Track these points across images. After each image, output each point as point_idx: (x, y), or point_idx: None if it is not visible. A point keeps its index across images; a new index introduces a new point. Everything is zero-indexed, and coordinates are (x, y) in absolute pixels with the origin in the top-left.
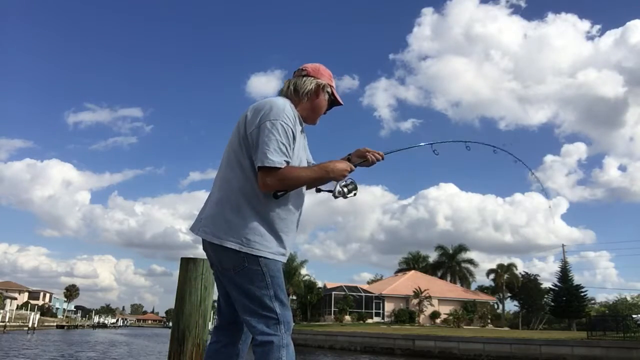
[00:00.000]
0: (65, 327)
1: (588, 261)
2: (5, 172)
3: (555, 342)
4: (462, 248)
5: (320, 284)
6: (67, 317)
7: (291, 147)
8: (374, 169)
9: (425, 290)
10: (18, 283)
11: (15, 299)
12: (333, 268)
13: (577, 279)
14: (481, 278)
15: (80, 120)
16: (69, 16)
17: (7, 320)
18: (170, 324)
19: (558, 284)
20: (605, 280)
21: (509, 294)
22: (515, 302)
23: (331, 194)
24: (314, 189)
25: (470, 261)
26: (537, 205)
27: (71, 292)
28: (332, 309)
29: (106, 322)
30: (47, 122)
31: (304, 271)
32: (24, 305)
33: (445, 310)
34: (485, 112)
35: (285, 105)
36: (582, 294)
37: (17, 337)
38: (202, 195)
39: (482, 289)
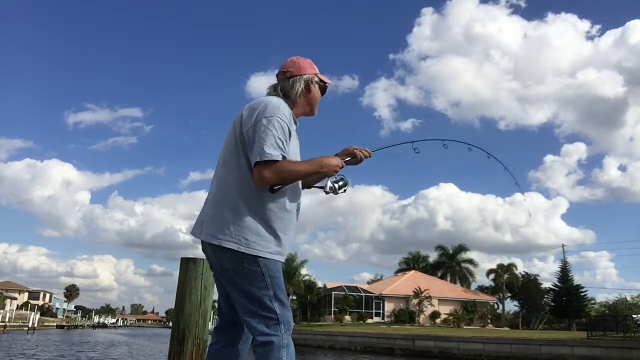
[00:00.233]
0: (65, 327)
1: (588, 261)
2: (5, 172)
3: (555, 342)
4: (462, 248)
5: (320, 284)
6: (67, 317)
7: (287, 143)
8: (374, 169)
9: (425, 290)
10: (18, 283)
11: (15, 299)
12: (333, 268)
13: (577, 279)
14: (481, 278)
15: (80, 120)
16: (69, 16)
17: (7, 320)
18: (170, 324)
19: (558, 284)
20: (605, 280)
21: (509, 294)
22: (515, 302)
23: (322, 190)
24: (306, 186)
25: (470, 261)
26: (537, 205)
27: (71, 292)
28: (332, 309)
29: (106, 322)
30: (47, 122)
31: (304, 271)
32: (24, 305)
33: (445, 310)
34: (485, 112)
35: (280, 103)
36: (582, 294)
37: (17, 337)
38: (202, 195)
39: (482, 289)
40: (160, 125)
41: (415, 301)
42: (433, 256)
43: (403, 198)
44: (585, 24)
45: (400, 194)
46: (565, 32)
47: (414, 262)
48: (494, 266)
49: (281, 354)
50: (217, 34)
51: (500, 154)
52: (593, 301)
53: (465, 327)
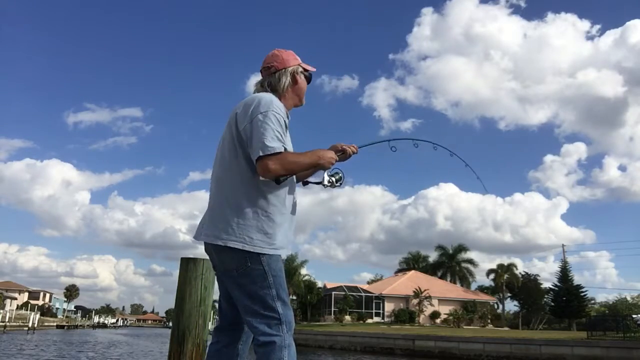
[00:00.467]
0: (65, 327)
1: (588, 261)
2: (5, 172)
3: (555, 342)
4: (462, 248)
5: (320, 284)
6: (67, 317)
7: (285, 135)
8: (374, 169)
9: (425, 290)
10: (18, 283)
11: (15, 299)
12: (333, 268)
13: (577, 279)
14: (481, 278)
15: (80, 120)
16: (68, 16)
17: (7, 320)
18: (170, 324)
19: (558, 284)
20: (605, 280)
21: (509, 294)
22: (515, 302)
23: (319, 185)
24: (301, 182)
25: (470, 261)
26: (537, 205)
27: (71, 292)
28: (332, 309)
29: (106, 322)
30: (47, 122)
31: (304, 271)
32: (24, 305)
33: (445, 310)
34: (485, 112)
35: (272, 98)
36: (582, 294)
37: (17, 337)
38: (202, 195)
39: (482, 289)
40: (160, 125)
41: (415, 301)
42: (433, 256)
43: (403, 198)
44: (585, 24)
45: (400, 194)
46: (565, 32)
47: (414, 262)
48: (494, 266)
49: (283, 354)
50: (216, 34)
51: (500, 154)
52: (593, 301)
53: (465, 327)
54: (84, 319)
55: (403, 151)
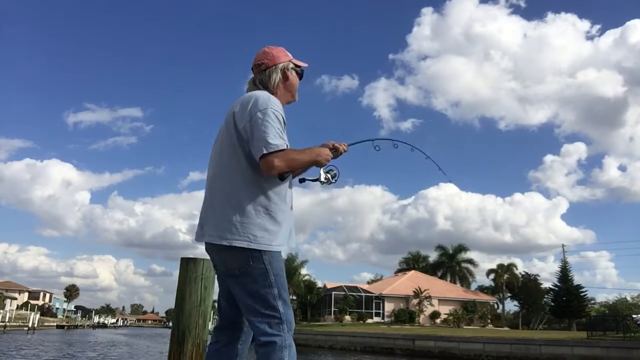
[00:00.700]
0: (65, 327)
1: (588, 261)
2: (5, 172)
3: (555, 342)
4: (462, 248)
5: (320, 284)
6: (67, 317)
7: (285, 132)
8: (374, 169)
9: (425, 290)
10: (18, 283)
11: (15, 299)
12: (333, 268)
13: (577, 279)
14: (481, 278)
15: (80, 120)
16: (68, 16)
17: (7, 320)
18: (170, 324)
19: (558, 284)
20: (605, 280)
21: (509, 294)
22: (515, 302)
23: (316, 182)
24: (297, 180)
25: (470, 261)
26: (537, 205)
27: (71, 292)
28: (332, 309)
29: (106, 322)
30: (47, 122)
31: (304, 271)
32: (24, 305)
33: (445, 310)
34: (485, 112)
35: (269, 96)
36: (582, 294)
37: (17, 337)
38: (202, 195)
39: (482, 289)
40: (160, 125)
41: (415, 301)
42: (433, 256)
43: (403, 198)
44: (585, 24)
45: (400, 194)
46: (565, 32)
47: (414, 262)
48: (494, 266)
49: (283, 354)
50: (216, 34)
51: (500, 154)
52: (593, 301)
53: (465, 327)
54: (84, 319)
55: (401, 151)
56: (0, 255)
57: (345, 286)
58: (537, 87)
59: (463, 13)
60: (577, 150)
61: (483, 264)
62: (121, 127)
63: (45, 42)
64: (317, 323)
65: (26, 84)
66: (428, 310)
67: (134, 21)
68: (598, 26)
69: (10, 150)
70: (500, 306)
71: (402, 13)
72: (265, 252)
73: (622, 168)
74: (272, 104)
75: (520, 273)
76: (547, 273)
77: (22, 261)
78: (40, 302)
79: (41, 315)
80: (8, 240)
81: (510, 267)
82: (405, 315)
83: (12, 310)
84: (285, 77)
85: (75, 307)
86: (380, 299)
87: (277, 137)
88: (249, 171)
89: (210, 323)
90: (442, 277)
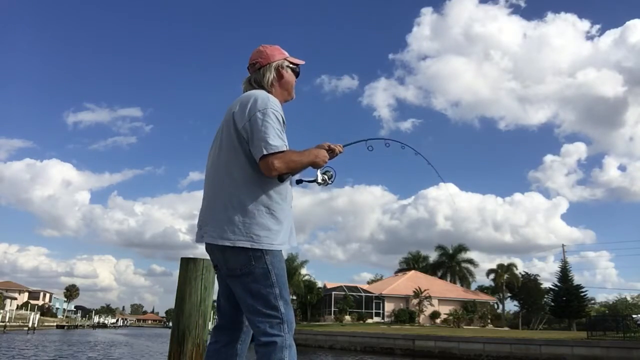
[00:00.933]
0: (65, 327)
1: (588, 261)
2: (5, 172)
3: (555, 342)
4: (462, 248)
5: (320, 284)
6: (67, 317)
7: (284, 132)
8: (374, 169)
9: (425, 290)
10: (18, 283)
11: (15, 299)
12: (333, 268)
13: (577, 279)
14: (481, 278)
15: (79, 120)
16: (68, 16)
17: (7, 320)
18: (170, 324)
19: (558, 284)
20: (605, 280)
21: (509, 294)
22: (515, 302)
23: (314, 183)
24: (295, 181)
25: (470, 261)
26: (537, 205)
27: (71, 292)
28: (332, 309)
29: (106, 322)
30: (46, 122)
31: (304, 271)
32: (24, 305)
33: (445, 310)
34: (485, 112)
35: (268, 95)
36: (582, 294)
37: (17, 337)
38: (202, 196)
39: (482, 289)
40: (160, 125)
41: (415, 301)
42: (433, 256)
43: (403, 198)
44: (585, 24)
45: (400, 194)
46: (565, 31)
47: (414, 262)
48: (494, 266)
49: (284, 354)
50: (217, 34)
51: (500, 154)
52: (593, 301)
53: (465, 327)
54: (84, 319)
55: (401, 152)
56: (0, 255)
57: (345, 286)
58: (537, 87)
59: (463, 13)
60: (577, 150)
61: (483, 264)
62: (121, 127)
63: (45, 42)
64: (317, 323)
65: (26, 84)
66: (428, 310)
67: (134, 21)
68: (598, 26)
69: (10, 150)
70: (500, 306)
71: (402, 13)
72: (267, 251)
73: (622, 168)
74: (271, 104)
75: (520, 273)
76: (547, 273)
77: (22, 261)
78: (40, 302)
79: (41, 315)
80: (8, 240)
81: (510, 267)
82: (405, 315)
83: (12, 310)
84: (279, 76)
85: (75, 307)
86: (380, 299)
87: (276, 138)
88: (249, 171)
89: (210, 323)
90: (442, 277)
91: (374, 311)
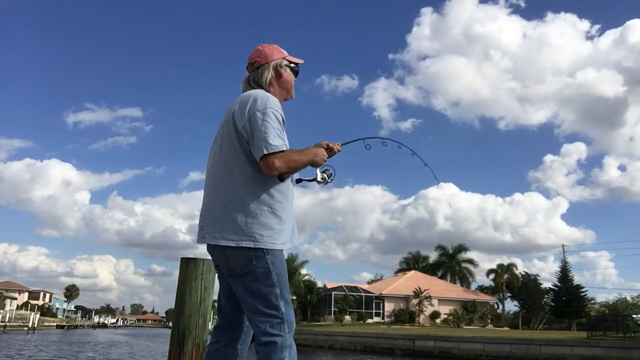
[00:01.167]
0: (65, 327)
1: (588, 261)
2: (5, 172)
3: (555, 342)
4: (462, 248)
5: (320, 284)
6: (67, 317)
7: (284, 132)
8: (374, 169)
9: (425, 290)
10: (18, 283)
11: (15, 299)
12: (333, 268)
13: (577, 279)
14: (481, 278)
15: (79, 120)
16: (68, 16)
17: (7, 320)
18: (170, 324)
19: (558, 284)
20: (605, 280)
21: (509, 294)
22: (515, 302)
23: (313, 182)
24: (294, 180)
25: (470, 261)
26: (537, 205)
27: (71, 292)
28: (332, 309)
29: (106, 322)
30: (46, 122)
31: (304, 271)
32: (24, 305)
33: (445, 310)
34: (485, 112)
35: (268, 94)
36: (582, 294)
37: (17, 337)
38: (202, 195)
39: (482, 289)
40: (160, 125)
41: (415, 301)
42: (433, 256)
43: (403, 198)
44: (584, 24)
45: (400, 194)
46: (565, 31)
47: (414, 262)
48: (494, 266)
49: (284, 354)
50: (217, 34)
51: (500, 154)
52: (593, 301)
53: (465, 327)
54: (84, 319)
55: (401, 152)
56: (0, 255)
57: (345, 286)
58: (536, 87)
59: (463, 13)
60: (577, 150)
61: (483, 264)
62: (121, 127)
63: (45, 42)
64: (317, 323)
65: (26, 84)
66: (428, 310)
67: (134, 21)
68: (598, 26)
69: (10, 150)
70: (500, 306)
71: (402, 13)
72: (268, 250)
73: (622, 168)
74: (271, 104)
75: (520, 273)
76: (547, 273)
77: (22, 261)
78: (40, 302)
79: (41, 315)
80: (8, 240)
81: (510, 267)
82: (405, 315)
83: (12, 310)
84: (278, 75)
85: (75, 307)
86: (380, 299)
87: (277, 138)
88: (250, 170)
89: (210, 323)
90: (442, 277)
91: (374, 311)
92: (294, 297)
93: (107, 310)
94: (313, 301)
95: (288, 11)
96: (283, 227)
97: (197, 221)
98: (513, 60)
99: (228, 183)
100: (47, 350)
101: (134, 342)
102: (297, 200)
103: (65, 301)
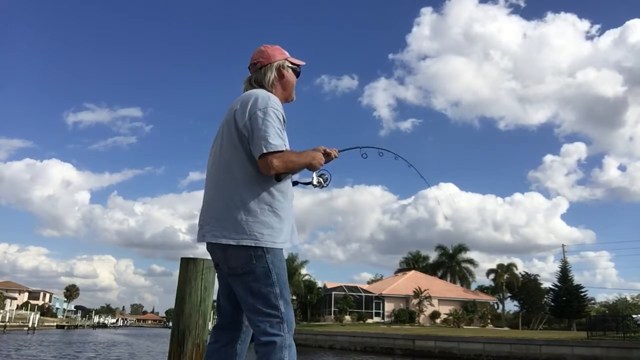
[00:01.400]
0: (65, 327)
1: (588, 261)
2: (5, 172)
3: (555, 342)
4: (462, 248)
5: (320, 284)
6: (67, 317)
7: (284, 132)
8: (374, 169)
9: (425, 290)
10: (18, 283)
11: (15, 299)
12: (333, 268)
13: (577, 279)
14: (481, 278)
15: (79, 120)
16: (68, 16)
17: (7, 320)
18: (170, 324)
19: (558, 284)
20: (605, 280)
21: (509, 294)
22: (515, 302)
23: (309, 185)
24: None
25: (470, 261)
26: (537, 205)
27: (71, 292)
28: (332, 309)
29: (106, 322)
30: (46, 122)
31: (304, 271)
32: (24, 305)
33: (445, 310)
34: (485, 112)
35: (269, 94)
36: (582, 294)
37: (17, 337)
38: (202, 195)
39: (482, 289)
40: (160, 125)
41: (415, 301)
42: (433, 256)
43: (403, 198)
44: (584, 24)
45: (400, 194)
46: (565, 31)
47: (414, 262)
48: (494, 266)
49: (283, 354)
50: (217, 34)
51: (500, 154)
52: (593, 301)
53: (465, 327)
54: (84, 319)
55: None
56: (0, 255)
57: (345, 286)
58: (536, 87)
59: (463, 13)
60: (577, 150)
61: (483, 264)
62: (121, 127)
63: (45, 42)
64: (317, 323)
65: (26, 84)
66: (428, 310)
67: (134, 21)
68: (598, 26)
69: (10, 150)
70: (500, 306)
71: (402, 13)
72: (268, 250)
73: (622, 168)
74: (272, 103)
75: (520, 273)
76: (547, 273)
77: (22, 261)
78: (40, 302)
79: (41, 315)
80: (8, 240)
81: (510, 267)
82: (405, 315)
83: (12, 310)
84: (280, 75)
85: (75, 307)
86: (380, 299)
87: (276, 137)
88: (251, 169)
89: (210, 323)
90: (442, 277)
91: (374, 311)
92: (294, 297)
93: (107, 310)
94: (313, 301)
95: (288, 11)
96: (283, 226)
97: (197, 221)
98: (513, 60)
99: (228, 182)
100: (47, 351)
101: (134, 342)
102: (297, 200)
103: (65, 301)
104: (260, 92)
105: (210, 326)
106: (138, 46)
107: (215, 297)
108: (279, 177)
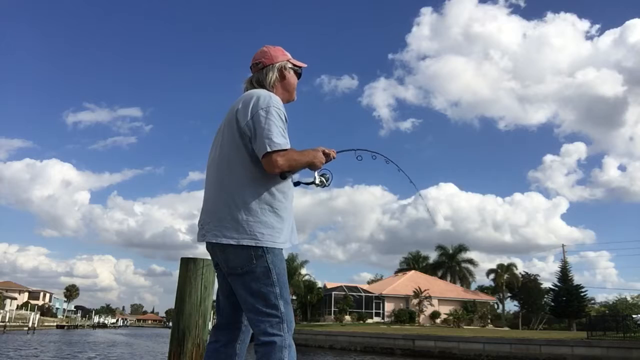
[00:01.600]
0: (65, 327)
1: (588, 261)
2: (4, 172)
3: (555, 342)
4: (462, 248)
5: (320, 284)
6: (67, 317)
7: (286, 130)
8: (374, 169)
9: (425, 290)
10: (18, 283)
11: (15, 299)
12: (333, 268)
13: (577, 279)
14: (481, 278)
15: (79, 120)
16: (68, 16)
17: (7, 320)
18: (170, 324)
19: (558, 284)
20: (605, 280)
21: (509, 294)
22: (515, 302)
23: (311, 185)
24: (292, 182)
25: (470, 261)
26: (537, 205)
27: (71, 292)
28: (332, 309)
29: (106, 322)
30: (46, 122)
31: (304, 271)
32: (24, 305)
33: (445, 310)
34: (485, 112)
35: (270, 94)
36: (582, 294)
37: (17, 337)
38: (202, 195)
39: (482, 289)
40: (159, 125)
41: (415, 301)
42: (433, 256)
43: (403, 198)
44: (584, 24)
45: (400, 194)
46: (565, 31)
47: (414, 262)
48: (494, 266)
49: (283, 354)
50: (216, 34)
51: (500, 154)
52: (593, 301)
53: (465, 327)
54: (84, 319)
55: (401, 153)
56: (0, 255)
57: (345, 286)
58: (536, 86)
59: (462, 13)
60: (577, 150)
61: (483, 264)
62: (121, 127)
63: (44, 42)
64: (317, 323)
65: (26, 83)
66: (428, 310)
67: (134, 21)
68: (597, 26)
69: (10, 150)
70: (500, 306)
71: (402, 13)
72: (269, 249)
73: (622, 168)
74: (274, 102)
75: (520, 273)
76: (547, 273)
77: (22, 261)
78: (40, 302)
79: (41, 315)
80: (8, 240)
81: (510, 267)
82: (405, 315)
83: (12, 310)
84: (282, 76)
85: (75, 307)
86: (380, 299)
87: (280, 136)
88: (251, 169)
89: (210, 323)
90: (442, 277)
91: (374, 311)
92: (294, 297)
93: (107, 310)
94: (313, 301)
95: (288, 11)
96: (283, 226)
97: (197, 221)
98: (513, 60)
99: (229, 181)
100: (47, 351)
101: (134, 342)
102: (297, 200)
103: (65, 301)
104: (261, 92)
105: (210, 326)
106: (138, 46)
107: (215, 297)
108: (284, 175)
